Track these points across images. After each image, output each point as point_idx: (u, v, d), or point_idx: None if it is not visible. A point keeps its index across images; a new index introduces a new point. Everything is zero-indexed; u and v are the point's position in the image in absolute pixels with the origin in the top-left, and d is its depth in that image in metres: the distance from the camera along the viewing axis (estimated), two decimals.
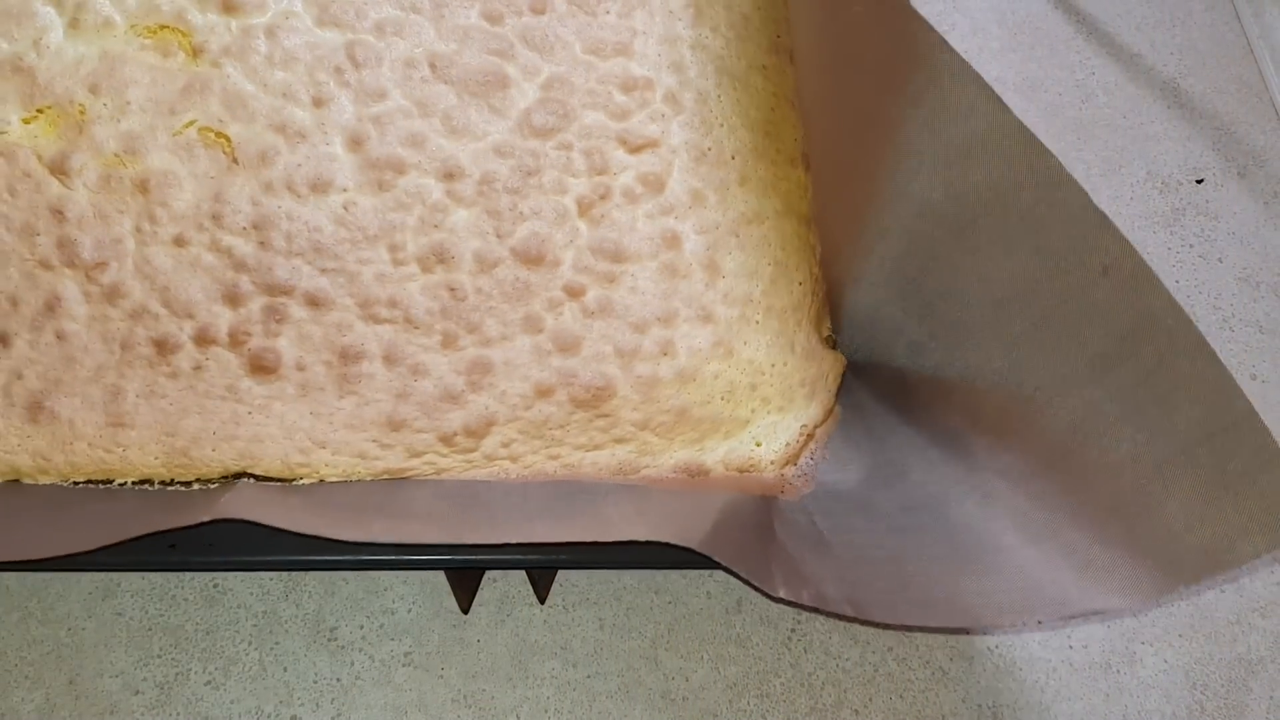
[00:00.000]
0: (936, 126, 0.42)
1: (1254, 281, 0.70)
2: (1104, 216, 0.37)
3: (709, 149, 0.51)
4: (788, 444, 0.46)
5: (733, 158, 0.51)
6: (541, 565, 0.45)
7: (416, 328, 0.45)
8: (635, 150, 0.50)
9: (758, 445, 0.46)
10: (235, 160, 0.46)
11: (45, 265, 0.43)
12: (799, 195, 0.51)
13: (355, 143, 0.48)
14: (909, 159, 0.44)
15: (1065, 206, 0.38)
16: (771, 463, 0.46)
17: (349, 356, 0.44)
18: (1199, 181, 0.72)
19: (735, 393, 0.46)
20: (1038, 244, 0.40)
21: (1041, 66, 0.77)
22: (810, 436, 0.46)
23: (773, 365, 0.47)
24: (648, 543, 0.38)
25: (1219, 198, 0.72)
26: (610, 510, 0.41)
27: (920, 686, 0.55)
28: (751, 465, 0.45)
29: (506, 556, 0.39)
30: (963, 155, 0.41)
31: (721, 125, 0.52)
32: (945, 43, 0.40)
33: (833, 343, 0.49)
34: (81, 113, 0.46)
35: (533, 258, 0.47)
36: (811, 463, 0.46)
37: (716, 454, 0.46)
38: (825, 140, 0.51)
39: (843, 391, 0.49)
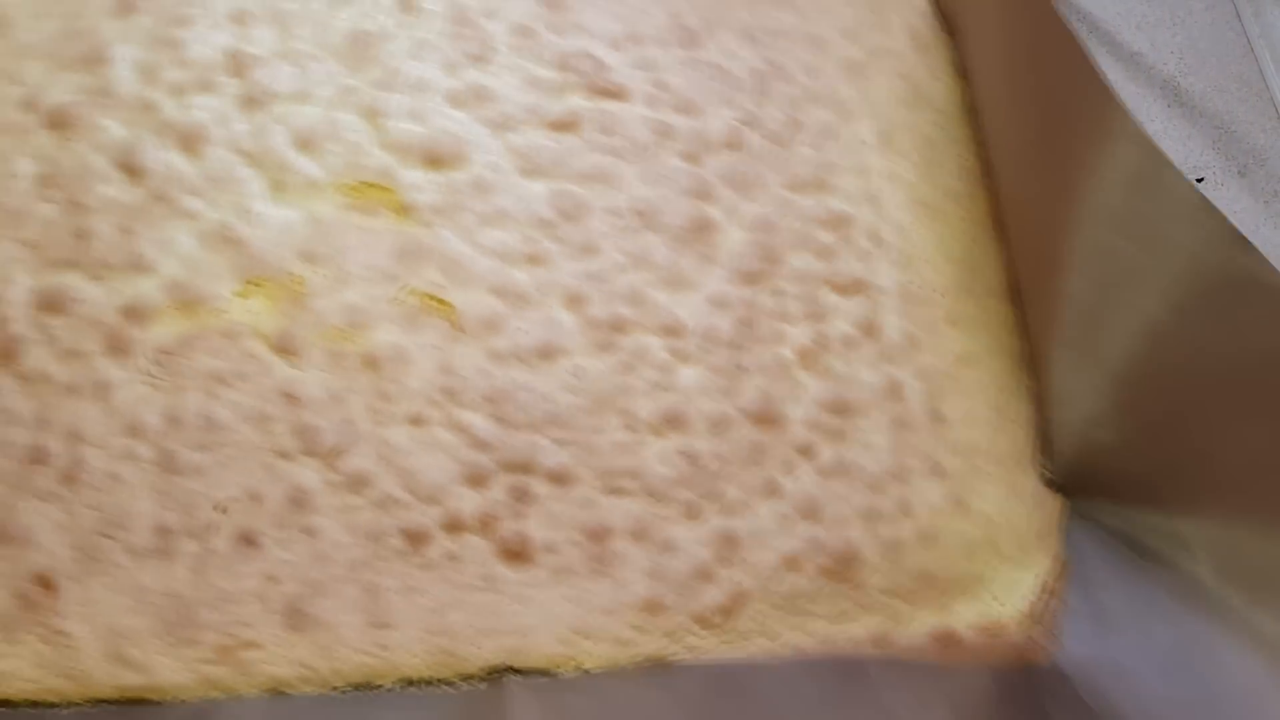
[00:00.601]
0: (1166, 262, 0.41)
1: None
2: None
3: (916, 287, 0.50)
4: (1028, 600, 0.46)
5: (940, 295, 0.50)
6: None
7: (659, 500, 0.44)
8: (845, 292, 0.49)
9: (1000, 604, 0.46)
10: (460, 329, 0.45)
11: (284, 455, 0.42)
12: (1007, 331, 0.51)
13: (575, 302, 0.46)
14: (1136, 298, 0.43)
15: None
16: (1016, 623, 0.45)
17: (597, 535, 0.43)
18: (1199, 180, 0.71)
19: (974, 550, 0.46)
20: None
21: None
22: (1049, 590, 0.46)
23: (1005, 517, 0.47)
24: None
25: (1219, 197, 0.70)
26: (891, 700, 0.40)
27: None
28: (998, 627, 0.45)
29: None
30: (1202, 298, 0.40)
31: (925, 260, 0.51)
32: (1166, 157, 0.39)
33: (1052, 485, 0.49)
34: (299, 285, 0.45)
35: (763, 417, 0.46)
36: (1055, 620, 0.45)
37: (963, 617, 0.45)
38: (1034, 271, 0.50)
39: (1066, 538, 0.48)
